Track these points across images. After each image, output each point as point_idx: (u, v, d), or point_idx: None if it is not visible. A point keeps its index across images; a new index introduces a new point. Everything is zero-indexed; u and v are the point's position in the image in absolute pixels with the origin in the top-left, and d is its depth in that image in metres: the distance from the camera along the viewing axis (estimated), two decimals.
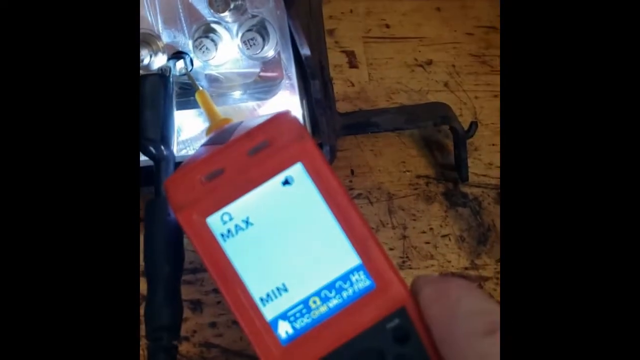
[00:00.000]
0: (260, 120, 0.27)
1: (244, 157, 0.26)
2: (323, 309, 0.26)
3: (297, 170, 0.26)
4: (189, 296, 0.40)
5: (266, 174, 0.26)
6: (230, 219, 0.26)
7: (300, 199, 0.26)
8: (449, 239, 0.45)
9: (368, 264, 0.26)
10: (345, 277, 0.26)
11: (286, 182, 0.26)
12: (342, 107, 0.50)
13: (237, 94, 0.37)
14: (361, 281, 0.26)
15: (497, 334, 0.21)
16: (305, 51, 0.31)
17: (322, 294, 0.26)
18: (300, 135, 0.26)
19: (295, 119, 0.27)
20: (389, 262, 0.26)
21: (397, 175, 0.48)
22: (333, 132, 0.41)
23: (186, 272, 0.41)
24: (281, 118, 0.27)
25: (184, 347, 0.38)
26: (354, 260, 0.26)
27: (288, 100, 0.37)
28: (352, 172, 0.47)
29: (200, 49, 0.34)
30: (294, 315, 0.26)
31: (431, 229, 0.45)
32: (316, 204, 0.26)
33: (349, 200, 0.26)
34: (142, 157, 0.31)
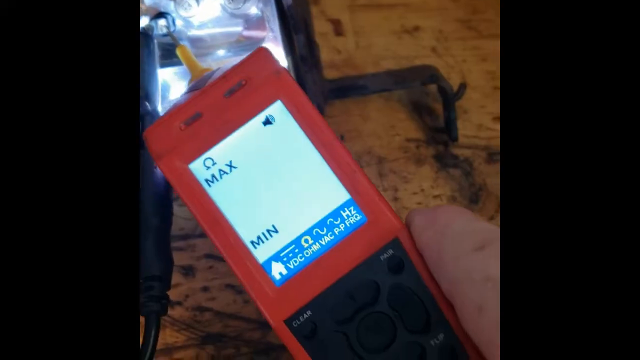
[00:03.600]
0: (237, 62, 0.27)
1: (221, 99, 0.26)
2: (315, 247, 0.25)
3: (277, 108, 0.26)
4: (180, 262, 0.40)
5: (245, 115, 0.26)
6: (214, 163, 0.26)
7: (283, 138, 0.26)
8: (441, 199, 0.45)
9: (358, 198, 0.25)
10: (335, 214, 0.25)
11: (267, 122, 0.26)
12: (329, 74, 0.49)
13: (221, 52, 0.36)
14: (352, 216, 0.25)
15: (486, 249, 0.21)
16: None
17: (314, 232, 0.25)
18: (277, 71, 0.26)
19: (270, 55, 0.26)
20: (378, 195, 0.25)
21: (387, 139, 0.47)
22: (320, 93, 0.41)
23: (177, 239, 0.40)
24: (256, 56, 0.26)
25: (177, 312, 0.38)
26: (343, 195, 0.25)
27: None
28: (342, 137, 0.47)
29: (182, 4, 0.34)
30: (286, 255, 0.25)
31: (423, 190, 0.45)
32: (300, 142, 0.26)
33: (333, 135, 0.25)
34: None
